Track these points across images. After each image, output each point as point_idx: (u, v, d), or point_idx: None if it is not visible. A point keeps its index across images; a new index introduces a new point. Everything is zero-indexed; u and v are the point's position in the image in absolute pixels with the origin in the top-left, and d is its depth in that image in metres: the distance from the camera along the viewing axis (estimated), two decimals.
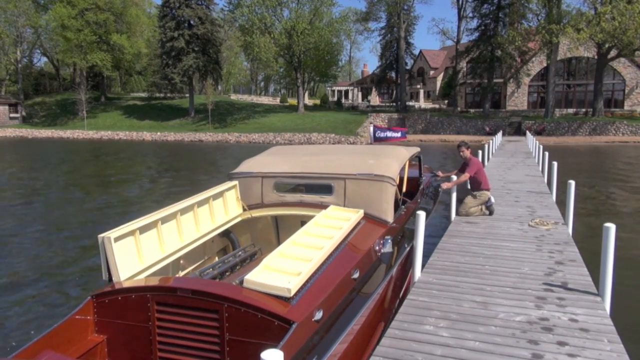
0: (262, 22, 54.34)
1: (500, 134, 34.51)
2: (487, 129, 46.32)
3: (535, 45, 47.38)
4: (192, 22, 57.12)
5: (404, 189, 7.26)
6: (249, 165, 6.53)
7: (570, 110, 51.76)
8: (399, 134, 10.88)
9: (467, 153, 8.90)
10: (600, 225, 5.23)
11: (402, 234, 6.09)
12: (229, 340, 3.48)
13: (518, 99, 54.13)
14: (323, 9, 56.40)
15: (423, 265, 5.71)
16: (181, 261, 5.00)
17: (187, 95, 62.73)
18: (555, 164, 11.60)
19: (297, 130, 48.93)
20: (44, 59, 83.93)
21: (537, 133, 42.87)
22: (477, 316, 4.44)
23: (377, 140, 10.52)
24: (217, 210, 5.64)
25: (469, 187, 9.04)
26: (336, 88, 76.86)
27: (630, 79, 50.42)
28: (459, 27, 55.01)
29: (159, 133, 53.82)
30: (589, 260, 6.15)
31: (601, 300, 4.74)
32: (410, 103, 61.69)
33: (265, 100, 78.05)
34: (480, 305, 4.67)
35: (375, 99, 72.11)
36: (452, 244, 6.85)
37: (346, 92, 75.51)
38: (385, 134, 10.79)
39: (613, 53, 44.74)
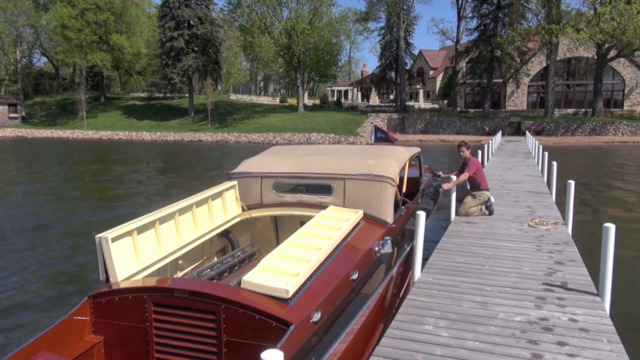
0: (262, 21, 54.30)
1: (499, 134, 34.50)
2: (487, 129, 46.30)
3: (535, 45, 47.37)
4: (191, 22, 57.04)
5: (404, 190, 7.23)
6: (248, 165, 6.49)
7: (570, 111, 51.74)
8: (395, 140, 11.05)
9: (467, 153, 8.91)
10: (600, 225, 5.21)
11: (402, 235, 6.06)
12: (227, 341, 3.46)
13: (518, 99, 54.11)
14: (323, 9, 56.34)
15: (423, 266, 5.69)
16: (179, 262, 4.97)
17: (187, 95, 62.67)
18: (554, 164, 11.59)
19: (296, 130, 48.88)
20: (44, 59, 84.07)
21: (537, 133, 42.84)
22: (477, 316, 4.43)
23: (377, 140, 10.55)
24: (216, 210, 5.61)
25: (468, 187, 9.04)
26: (336, 88, 76.82)
27: (630, 79, 50.40)
28: (458, 27, 54.95)
29: (158, 133, 53.77)
30: (588, 260, 6.13)
31: (601, 300, 4.73)
32: (410, 103, 61.66)
33: (264, 100, 77.93)
34: (479, 305, 4.66)
35: (374, 99, 72.09)
36: (452, 244, 6.83)
37: (346, 92, 75.44)
38: (387, 135, 10.85)
39: (612, 53, 44.74)
